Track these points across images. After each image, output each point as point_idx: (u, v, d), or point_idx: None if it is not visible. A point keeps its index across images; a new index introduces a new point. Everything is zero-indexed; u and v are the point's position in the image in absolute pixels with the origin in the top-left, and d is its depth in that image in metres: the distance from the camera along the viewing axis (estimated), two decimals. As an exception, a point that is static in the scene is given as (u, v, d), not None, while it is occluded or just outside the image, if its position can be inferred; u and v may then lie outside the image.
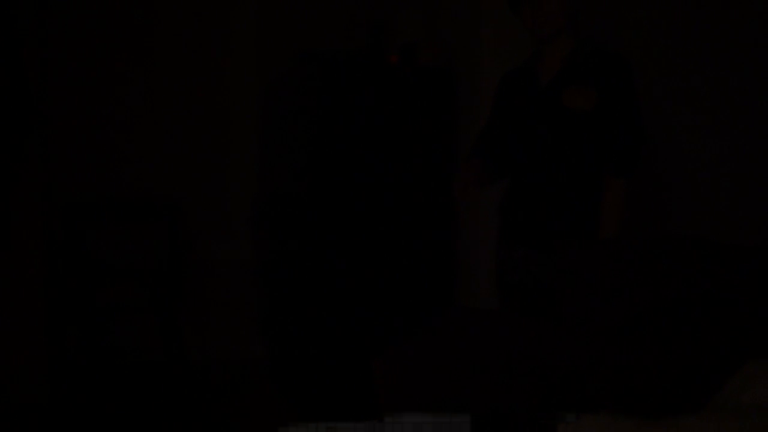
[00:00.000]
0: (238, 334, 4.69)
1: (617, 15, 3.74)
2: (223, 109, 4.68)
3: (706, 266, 2.30)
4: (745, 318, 2.18)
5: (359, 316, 4.06)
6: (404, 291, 4.13)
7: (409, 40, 4.23)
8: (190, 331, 4.58)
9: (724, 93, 3.23)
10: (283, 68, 4.57)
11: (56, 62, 4.28)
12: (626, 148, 2.80)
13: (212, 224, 4.68)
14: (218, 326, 4.68)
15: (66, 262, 4.34)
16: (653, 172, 3.50)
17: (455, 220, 4.19)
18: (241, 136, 4.70)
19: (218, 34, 4.62)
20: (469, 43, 4.09)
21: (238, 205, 4.72)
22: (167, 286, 4.34)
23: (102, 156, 4.48)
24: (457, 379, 2.11)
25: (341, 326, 4.03)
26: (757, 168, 3.11)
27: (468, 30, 4.15)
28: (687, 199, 3.45)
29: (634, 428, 1.73)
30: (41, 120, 4.02)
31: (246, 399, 4.06)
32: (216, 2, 4.61)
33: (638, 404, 1.86)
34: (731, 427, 1.71)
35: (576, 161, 2.83)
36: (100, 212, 4.45)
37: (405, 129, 4.11)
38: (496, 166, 3.01)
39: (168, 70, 4.56)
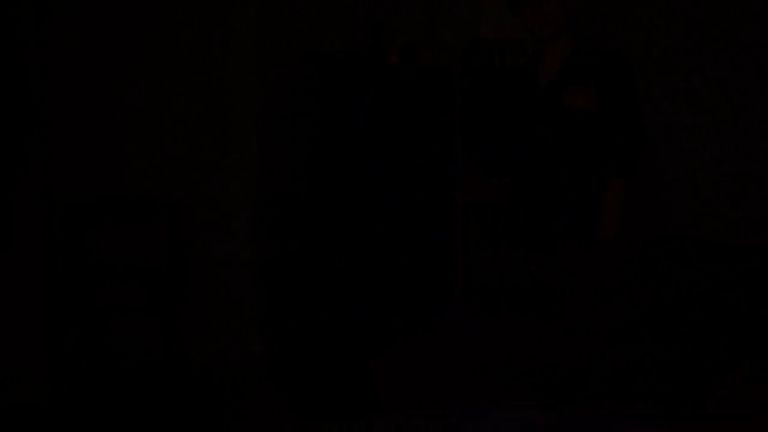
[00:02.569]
0: (238, 334, 4.69)
1: (617, 15, 3.74)
2: (223, 109, 4.67)
3: (706, 266, 2.30)
4: (744, 318, 2.18)
5: (359, 316, 4.06)
6: (404, 291, 4.13)
7: (409, 40, 4.24)
8: (190, 331, 4.58)
9: (724, 93, 3.23)
10: (283, 68, 4.57)
11: (56, 62, 4.28)
12: (626, 148, 2.80)
13: (212, 224, 4.68)
14: (218, 326, 4.68)
15: (66, 262, 4.34)
16: (653, 172, 3.50)
17: (455, 220, 4.19)
18: (241, 136, 4.70)
19: (218, 34, 4.62)
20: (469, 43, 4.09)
21: (238, 205, 4.72)
22: (167, 286, 4.34)
23: (102, 156, 4.47)
24: (457, 379, 2.11)
25: (341, 326, 4.03)
26: (757, 168, 3.11)
27: (468, 30, 4.15)
28: (687, 199, 3.45)
29: None
30: (41, 120, 4.02)
31: (246, 399, 4.06)
32: (216, 2, 4.60)
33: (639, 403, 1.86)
34: (731, 427, 1.71)
35: (576, 161, 2.83)
36: (100, 212, 4.45)
37: (405, 129, 4.11)
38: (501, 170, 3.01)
39: (168, 70, 4.55)
